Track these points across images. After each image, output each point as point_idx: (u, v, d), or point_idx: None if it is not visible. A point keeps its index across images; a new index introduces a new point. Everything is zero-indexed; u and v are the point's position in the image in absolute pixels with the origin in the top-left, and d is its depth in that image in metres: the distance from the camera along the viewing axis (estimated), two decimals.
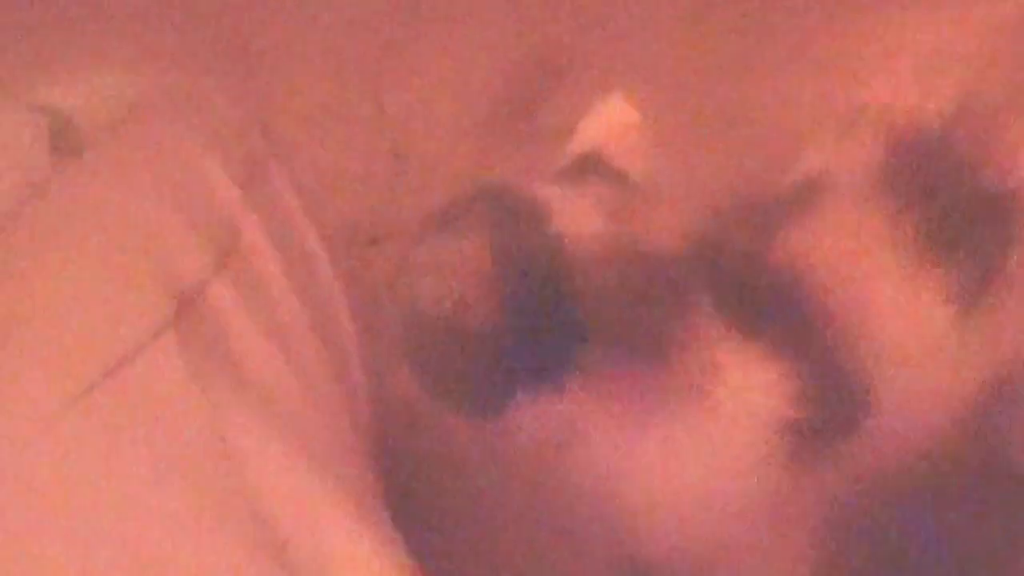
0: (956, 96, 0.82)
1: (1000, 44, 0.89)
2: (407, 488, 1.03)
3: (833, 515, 0.78)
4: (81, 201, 0.76)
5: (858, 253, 0.76)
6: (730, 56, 1.46)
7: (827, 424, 0.73)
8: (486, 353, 0.71)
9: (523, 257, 0.70)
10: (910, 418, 0.77)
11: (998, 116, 0.82)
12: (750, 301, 0.73)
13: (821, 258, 0.75)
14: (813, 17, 1.50)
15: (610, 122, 0.80)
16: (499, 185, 0.76)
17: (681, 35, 1.52)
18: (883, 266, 0.76)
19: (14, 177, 0.76)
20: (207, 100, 0.96)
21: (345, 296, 0.93)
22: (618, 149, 0.78)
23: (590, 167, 0.78)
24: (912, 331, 0.76)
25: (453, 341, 0.71)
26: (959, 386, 0.81)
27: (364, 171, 1.40)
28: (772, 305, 0.74)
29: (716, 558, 0.78)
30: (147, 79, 0.96)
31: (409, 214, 1.32)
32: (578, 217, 0.72)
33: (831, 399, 0.73)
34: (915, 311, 0.76)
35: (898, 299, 0.76)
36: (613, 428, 0.72)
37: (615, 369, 0.70)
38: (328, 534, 0.62)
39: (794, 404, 0.71)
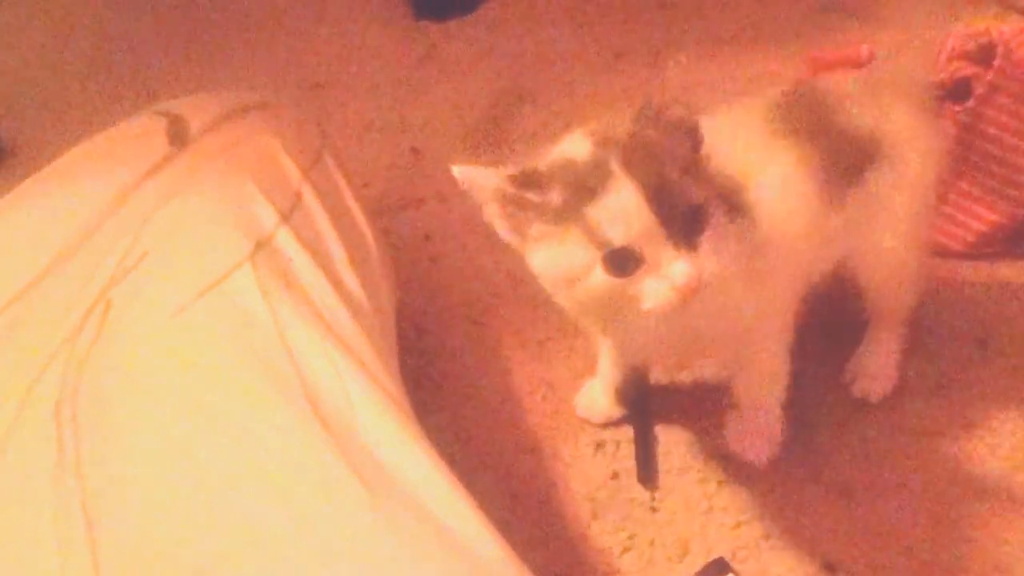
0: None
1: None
2: (417, 367, 1.02)
3: None
4: (187, 174, 0.75)
5: (778, 168, 0.77)
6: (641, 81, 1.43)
7: None
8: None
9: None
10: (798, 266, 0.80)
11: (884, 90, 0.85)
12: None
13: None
14: (699, 50, 1.47)
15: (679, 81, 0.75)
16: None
17: (605, 68, 1.49)
18: (794, 175, 0.78)
19: (140, 155, 0.76)
20: (283, 111, 0.95)
21: (378, 241, 0.90)
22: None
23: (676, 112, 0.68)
24: (801, 217, 0.77)
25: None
26: (826, 254, 0.84)
27: (393, 161, 1.37)
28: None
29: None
30: (241, 96, 0.94)
31: (423, 191, 1.29)
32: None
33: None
34: (807, 205, 0.78)
35: (800, 196, 0.77)
36: None
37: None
38: (353, 396, 0.61)
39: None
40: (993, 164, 1.00)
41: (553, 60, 1.54)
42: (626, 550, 0.85)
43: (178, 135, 0.79)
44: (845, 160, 0.80)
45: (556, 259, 0.65)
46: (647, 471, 0.90)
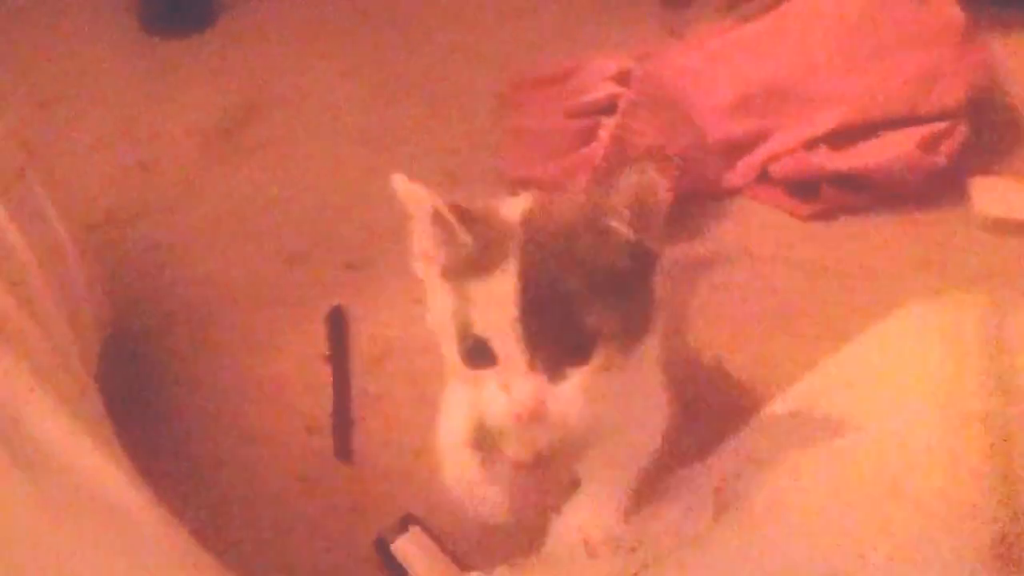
0: None
1: None
2: (145, 373, 1.08)
3: None
4: None
5: None
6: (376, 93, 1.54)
7: None
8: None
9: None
10: None
11: None
12: None
13: None
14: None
15: None
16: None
17: (340, 83, 1.58)
18: None
19: None
20: None
21: (85, 257, 0.95)
22: None
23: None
24: None
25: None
26: None
27: (122, 176, 1.41)
28: None
29: None
30: None
31: (151, 204, 1.35)
32: None
33: None
34: None
35: None
36: None
37: None
38: (35, 418, 0.62)
39: None
40: None
41: (286, 75, 1.61)
42: (332, 518, 0.94)
43: None
44: None
45: (437, 310, 0.60)
46: (342, 445, 1.00)
